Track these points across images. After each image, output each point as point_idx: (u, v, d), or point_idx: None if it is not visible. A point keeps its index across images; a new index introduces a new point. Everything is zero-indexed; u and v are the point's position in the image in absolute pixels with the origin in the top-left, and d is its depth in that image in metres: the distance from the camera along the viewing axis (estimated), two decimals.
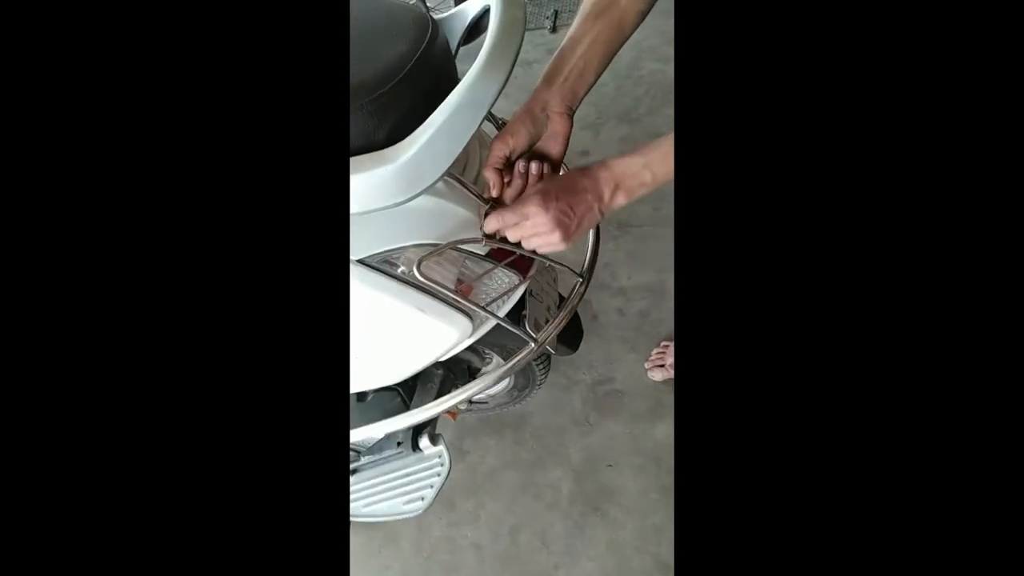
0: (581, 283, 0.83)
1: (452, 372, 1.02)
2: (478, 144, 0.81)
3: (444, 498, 1.38)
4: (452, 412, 1.19)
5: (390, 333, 0.72)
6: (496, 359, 1.35)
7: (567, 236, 0.62)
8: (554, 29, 2.79)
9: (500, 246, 0.71)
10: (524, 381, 1.28)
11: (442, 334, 0.73)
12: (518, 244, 0.69)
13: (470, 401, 1.35)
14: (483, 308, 0.69)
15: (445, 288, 0.64)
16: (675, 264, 0.31)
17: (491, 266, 0.75)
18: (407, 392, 0.98)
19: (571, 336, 1.15)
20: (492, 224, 0.65)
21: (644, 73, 2.45)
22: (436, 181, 0.57)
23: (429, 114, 0.53)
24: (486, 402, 1.41)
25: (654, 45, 2.48)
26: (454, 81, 0.55)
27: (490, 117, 0.83)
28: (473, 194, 0.67)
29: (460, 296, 0.66)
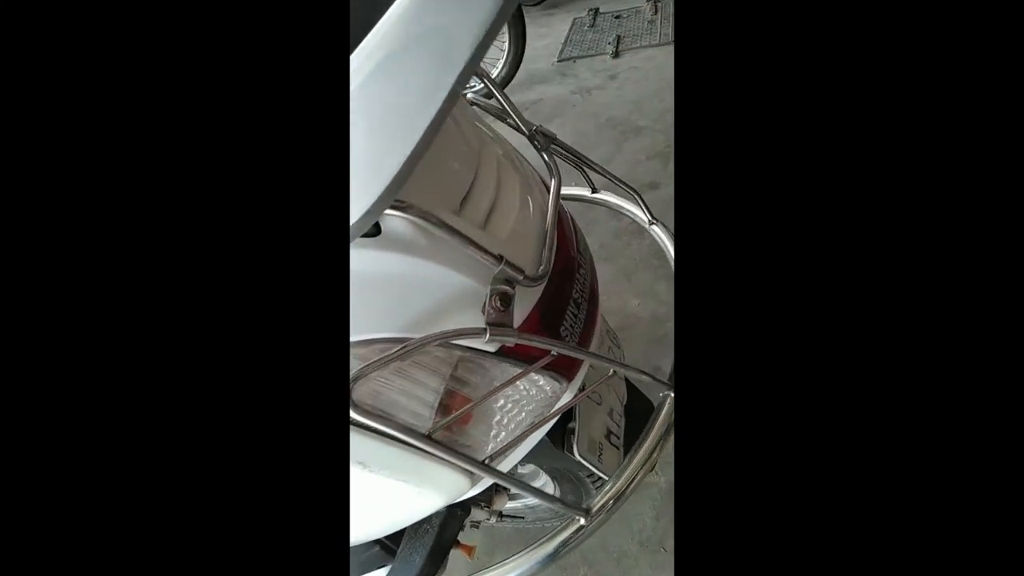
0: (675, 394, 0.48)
1: (459, 507, 0.68)
2: (499, 153, 0.49)
3: None
4: (468, 546, 0.85)
5: None
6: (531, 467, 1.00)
7: None
8: (616, 54, 2.51)
9: (525, 341, 0.38)
10: (575, 498, 0.92)
11: (411, 500, 0.40)
12: (561, 335, 0.37)
13: (500, 514, 1.00)
14: (480, 465, 0.36)
15: (403, 427, 0.32)
16: (675, 268, 0.34)
17: (515, 371, 0.42)
18: (391, 536, 0.66)
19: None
20: None
21: None
22: (373, 212, 0.26)
23: None
24: (522, 516, 1.05)
25: None
26: None
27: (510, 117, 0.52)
28: (473, 245, 0.36)
29: (439, 443, 0.33)
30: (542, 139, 0.52)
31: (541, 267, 0.42)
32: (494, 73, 2.40)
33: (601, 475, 0.61)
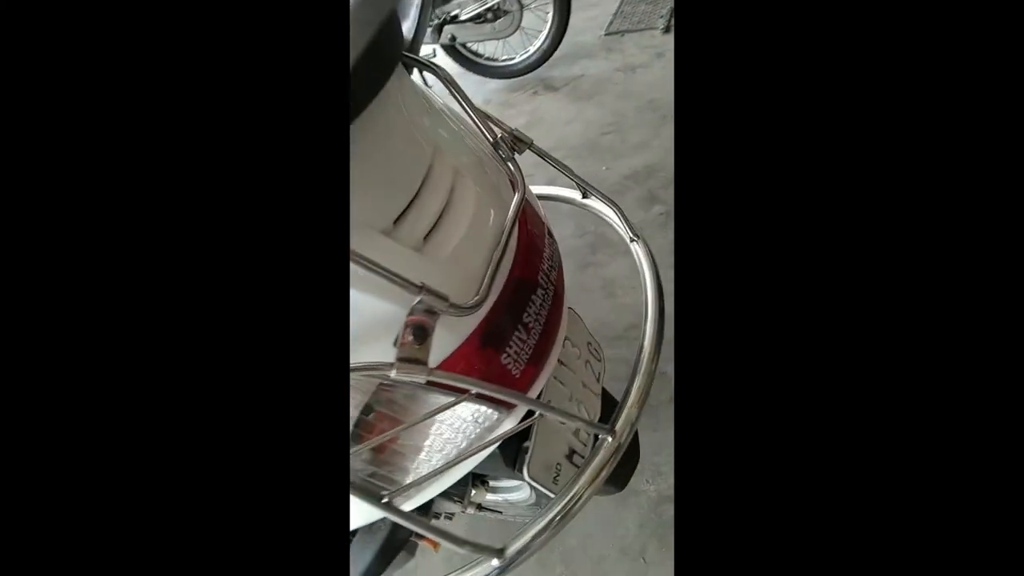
0: (611, 441, 0.45)
1: (417, 508, 0.68)
2: (460, 162, 0.46)
3: None
4: (434, 541, 0.85)
5: None
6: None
7: None
8: (667, 29, 2.36)
9: (438, 379, 0.36)
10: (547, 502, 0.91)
11: None
12: (506, 372, 0.35)
13: (479, 506, 1.01)
14: (378, 504, 0.34)
15: None
16: (675, 268, 0.30)
17: (445, 400, 0.40)
18: None
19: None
20: None
21: None
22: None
23: None
24: (500, 511, 1.05)
25: None
26: None
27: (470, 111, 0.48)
28: (389, 276, 0.34)
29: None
30: (508, 146, 0.48)
31: (475, 296, 0.39)
32: (535, 45, 2.31)
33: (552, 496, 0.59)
